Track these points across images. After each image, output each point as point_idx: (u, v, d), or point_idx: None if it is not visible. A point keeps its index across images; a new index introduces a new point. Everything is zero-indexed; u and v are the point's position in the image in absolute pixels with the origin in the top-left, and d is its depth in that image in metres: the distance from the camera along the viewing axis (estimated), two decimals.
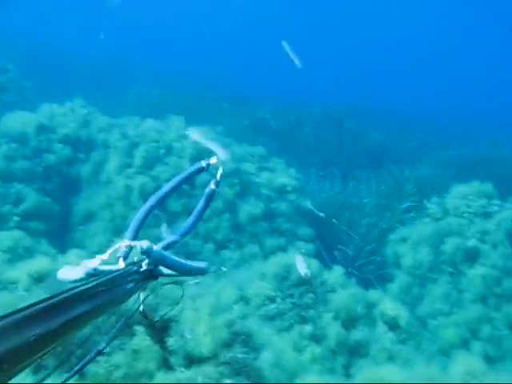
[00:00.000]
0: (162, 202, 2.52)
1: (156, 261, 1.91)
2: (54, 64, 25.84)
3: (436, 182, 13.38)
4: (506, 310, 8.70)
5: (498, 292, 8.87)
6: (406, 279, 10.04)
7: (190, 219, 2.68)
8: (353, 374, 6.09)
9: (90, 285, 1.44)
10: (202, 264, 2.32)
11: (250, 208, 10.48)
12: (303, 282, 7.03)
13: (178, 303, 2.89)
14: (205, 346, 4.24)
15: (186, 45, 42.71)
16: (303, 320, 6.70)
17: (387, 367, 5.29)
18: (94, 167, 11.32)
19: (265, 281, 7.26)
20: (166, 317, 3.63)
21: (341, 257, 11.52)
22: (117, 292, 1.59)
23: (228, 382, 4.23)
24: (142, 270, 1.89)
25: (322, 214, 11.51)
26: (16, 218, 9.80)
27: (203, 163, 2.66)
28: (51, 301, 1.23)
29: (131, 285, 1.74)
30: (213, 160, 2.62)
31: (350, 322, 6.69)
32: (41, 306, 1.19)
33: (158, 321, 2.73)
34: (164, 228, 8.43)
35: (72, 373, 1.72)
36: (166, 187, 2.65)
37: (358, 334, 6.67)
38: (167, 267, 1.99)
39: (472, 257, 9.46)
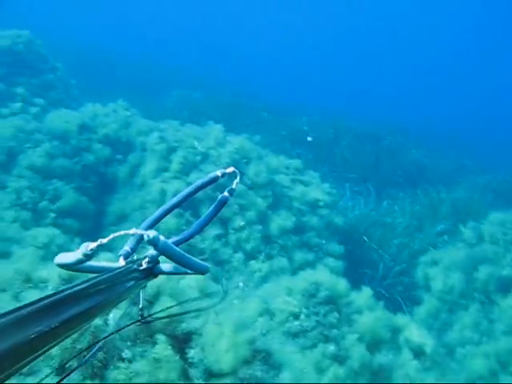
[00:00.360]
0: (176, 207, 2.45)
1: (161, 251, 1.86)
2: (100, 63, 26.44)
3: (472, 206, 13.12)
4: None
5: None
6: (435, 303, 9.87)
7: (196, 224, 2.56)
8: None
9: (91, 282, 1.43)
10: (203, 263, 2.13)
11: (281, 220, 10.48)
12: (330, 301, 6.98)
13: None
14: (225, 362, 4.25)
15: (231, 52, 43.11)
16: (326, 339, 6.64)
17: None
18: (131, 169, 11.49)
19: (291, 296, 7.24)
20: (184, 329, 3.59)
21: (369, 275, 11.40)
22: (117, 290, 1.57)
23: None
24: (141, 268, 1.86)
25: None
26: (52, 215, 10.02)
27: (219, 173, 2.60)
28: (53, 298, 1.22)
29: (131, 283, 1.71)
30: (229, 169, 2.55)
31: (374, 346, 6.60)
32: (43, 303, 1.18)
33: (152, 320, 2.73)
34: None
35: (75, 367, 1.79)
36: (183, 193, 2.55)
37: (382, 358, 6.58)
38: (171, 258, 1.92)
39: (506, 287, 9.24)
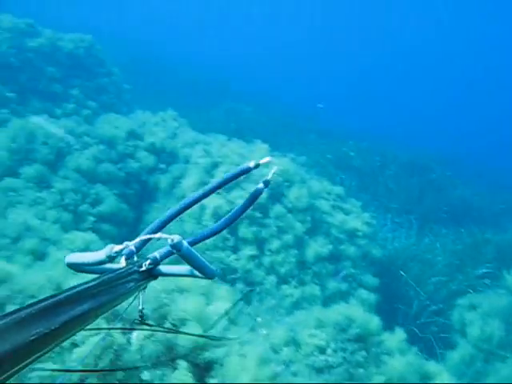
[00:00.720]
0: (199, 201, 2.48)
1: (183, 256, 1.90)
2: (153, 70, 26.86)
3: None
4: None
5: None
6: (470, 350, 9.47)
7: (227, 217, 2.54)
8: None
9: (91, 284, 1.44)
10: (213, 269, 2.19)
11: (317, 247, 10.31)
12: (359, 339, 6.78)
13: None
14: None
15: (287, 69, 43.29)
16: (351, 378, 6.45)
17: None
18: (173, 180, 11.56)
19: (321, 328, 7.08)
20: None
21: (403, 312, 11.09)
22: (117, 291, 1.58)
23: None
24: (141, 269, 1.88)
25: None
26: (91, 219, 10.15)
27: (252, 164, 2.60)
28: (54, 299, 1.23)
29: (131, 284, 1.72)
30: (265, 160, 2.47)
31: None
32: (42, 304, 1.19)
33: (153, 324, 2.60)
34: None
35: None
36: (210, 186, 2.56)
37: None
38: (189, 262, 1.97)
39: None
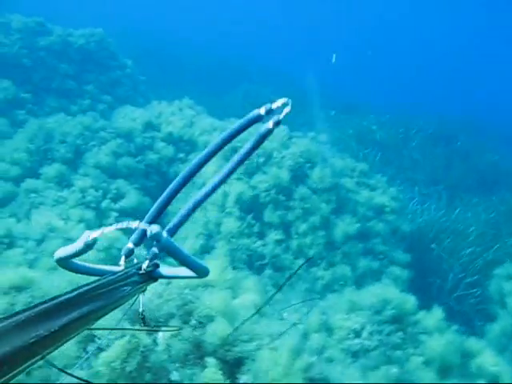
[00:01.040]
0: (200, 169, 2.13)
1: (164, 247, 1.78)
2: (167, 58, 26.63)
3: None
4: None
5: None
6: (511, 321, 9.19)
7: (229, 166, 2.13)
8: None
9: (90, 286, 1.42)
10: (204, 265, 2.01)
11: (345, 226, 10.07)
12: (395, 319, 6.56)
13: None
14: None
15: (304, 47, 42.60)
16: (388, 360, 6.24)
17: None
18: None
19: (354, 311, 6.87)
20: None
21: (437, 285, 10.81)
22: (117, 294, 1.56)
23: None
24: (141, 272, 1.82)
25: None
26: (114, 214, 10.06)
27: (262, 110, 1.98)
28: (53, 301, 1.21)
29: (131, 286, 1.68)
30: (277, 104, 1.96)
31: (442, 372, 6.13)
32: (43, 306, 1.18)
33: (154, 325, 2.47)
34: None
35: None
36: (211, 147, 2.07)
37: None
38: (173, 256, 1.84)
39: None
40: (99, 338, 4.30)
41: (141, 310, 1.98)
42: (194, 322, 4.56)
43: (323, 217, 10.00)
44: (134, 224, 1.78)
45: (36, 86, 13.44)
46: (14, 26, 14.02)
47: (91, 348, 4.17)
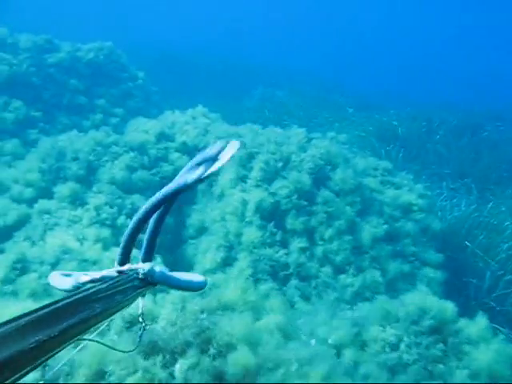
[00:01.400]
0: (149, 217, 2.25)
1: (158, 281, 1.88)
2: (179, 67, 26.60)
3: None
4: None
5: None
6: None
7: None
8: None
9: (91, 291, 1.45)
10: (200, 278, 2.23)
11: (371, 228, 9.56)
12: (435, 330, 6.04)
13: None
14: None
15: (316, 46, 42.14)
16: (430, 376, 5.73)
17: None
18: (209, 178, 10.99)
19: (389, 322, 6.38)
20: None
21: (474, 286, 10.23)
22: (116, 298, 1.56)
23: None
24: (140, 277, 1.86)
25: None
26: None
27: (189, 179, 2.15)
28: (53, 306, 1.23)
29: (131, 291, 1.70)
30: (213, 150, 2.20)
31: None
32: (43, 311, 1.18)
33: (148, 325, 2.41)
34: None
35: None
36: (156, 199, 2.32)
37: None
38: (169, 286, 1.98)
39: None
40: (110, 375, 3.91)
41: (140, 311, 2.02)
42: (213, 351, 4.13)
43: (348, 220, 9.51)
44: (123, 267, 1.79)
45: (46, 104, 13.23)
46: (21, 46, 13.84)
47: None
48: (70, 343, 1.26)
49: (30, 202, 9.95)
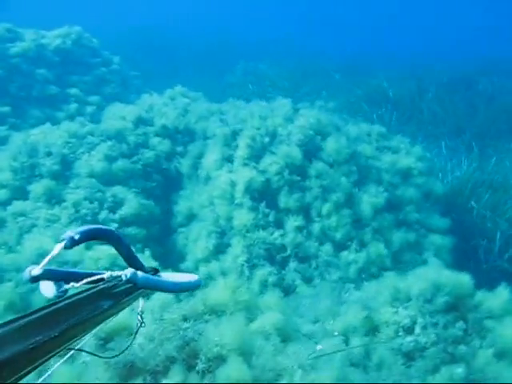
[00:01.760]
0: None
1: (142, 286, 1.73)
2: (160, 49, 25.94)
3: None
4: None
5: None
6: None
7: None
8: None
9: (90, 291, 1.47)
10: (193, 277, 2.00)
11: (371, 199, 8.91)
12: (451, 307, 5.43)
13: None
14: None
15: (293, 14, 40.92)
16: (452, 359, 5.14)
17: None
18: (193, 161, 10.30)
19: (401, 302, 5.77)
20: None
21: (485, 247, 9.64)
22: (116, 299, 1.55)
23: None
24: (124, 281, 1.74)
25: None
26: (114, 226, 9.03)
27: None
28: (53, 307, 1.24)
29: (125, 295, 1.64)
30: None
31: None
32: (43, 312, 1.19)
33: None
34: None
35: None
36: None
37: None
38: (155, 290, 1.86)
39: None
40: None
41: (140, 309, 1.94)
42: (201, 365, 3.50)
43: (345, 192, 8.85)
44: (105, 275, 1.67)
45: (15, 98, 12.42)
46: None
47: None
48: (70, 344, 1.25)
49: (4, 205, 9.26)
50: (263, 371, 3.44)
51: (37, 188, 9.41)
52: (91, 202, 9.17)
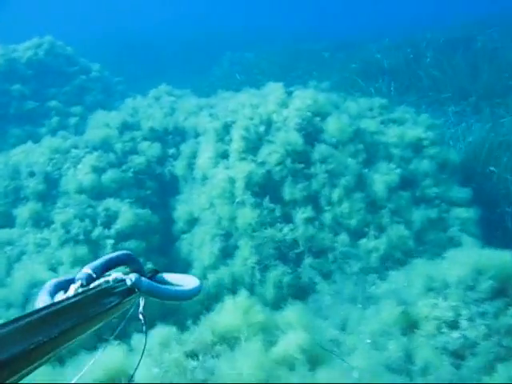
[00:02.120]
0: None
1: (146, 293, 1.68)
2: (142, 52, 25.39)
3: None
4: None
5: None
6: None
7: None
8: None
9: (90, 292, 1.45)
10: (194, 282, 1.88)
11: (383, 177, 8.16)
12: (499, 291, 4.70)
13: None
14: None
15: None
16: (509, 353, 4.41)
17: None
18: (187, 162, 9.57)
19: (438, 292, 5.04)
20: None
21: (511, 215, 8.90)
22: (117, 300, 1.51)
23: None
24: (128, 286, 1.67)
25: None
26: (110, 242, 8.30)
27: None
28: (53, 308, 1.23)
29: (124, 297, 1.58)
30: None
31: None
32: (43, 313, 1.18)
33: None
34: None
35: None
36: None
37: None
38: (158, 298, 1.74)
39: None
40: None
41: (140, 308, 1.83)
42: None
43: (355, 174, 8.10)
44: (110, 278, 1.62)
45: None
46: None
47: None
48: (70, 344, 1.22)
49: None
50: None
51: (22, 212, 8.71)
52: (82, 220, 8.44)
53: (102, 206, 8.83)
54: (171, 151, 10.01)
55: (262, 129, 8.58)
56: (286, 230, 7.73)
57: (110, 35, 27.81)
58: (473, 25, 16.79)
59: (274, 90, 9.70)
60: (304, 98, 8.90)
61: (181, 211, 9.15)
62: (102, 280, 1.63)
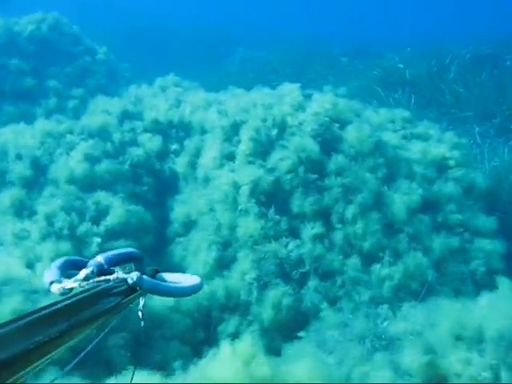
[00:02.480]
0: None
1: (148, 291, 1.64)
2: (154, 41, 24.67)
3: None
4: None
5: None
6: None
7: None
8: None
9: (90, 292, 1.41)
10: (195, 279, 1.85)
11: (403, 197, 7.39)
12: None
13: None
14: None
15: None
16: None
17: None
18: (190, 159, 8.80)
19: (466, 341, 4.28)
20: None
21: None
22: (116, 300, 1.48)
23: None
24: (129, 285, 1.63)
25: None
26: (97, 240, 7.52)
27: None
28: (53, 308, 1.21)
29: (124, 296, 1.55)
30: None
31: None
32: (43, 313, 1.16)
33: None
34: None
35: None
36: None
37: None
38: (159, 294, 1.72)
39: None
40: None
41: (140, 306, 1.78)
42: None
43: (372, 191, 7.33)
44: (111, 276, 1.57)
45: None
46: None
47: None
48: (70, 344, 1.20)
49: None
50: None
51: (4, 198, 7.94)
52: (68, 213, 7.66)
53: (93, 199, 8.08)
54: (174, 147, 9.25)
55: (274, 132, 7.81)
56: (291, 245, 6.96)
57: (120, 20, 27.06)
58: (500, 43, 16.02)
59: (290, 92, 8.92)
60: (322, 102, 8.13)
61: (178, 212, 8.38)
62: (102, 278, 1.58)
